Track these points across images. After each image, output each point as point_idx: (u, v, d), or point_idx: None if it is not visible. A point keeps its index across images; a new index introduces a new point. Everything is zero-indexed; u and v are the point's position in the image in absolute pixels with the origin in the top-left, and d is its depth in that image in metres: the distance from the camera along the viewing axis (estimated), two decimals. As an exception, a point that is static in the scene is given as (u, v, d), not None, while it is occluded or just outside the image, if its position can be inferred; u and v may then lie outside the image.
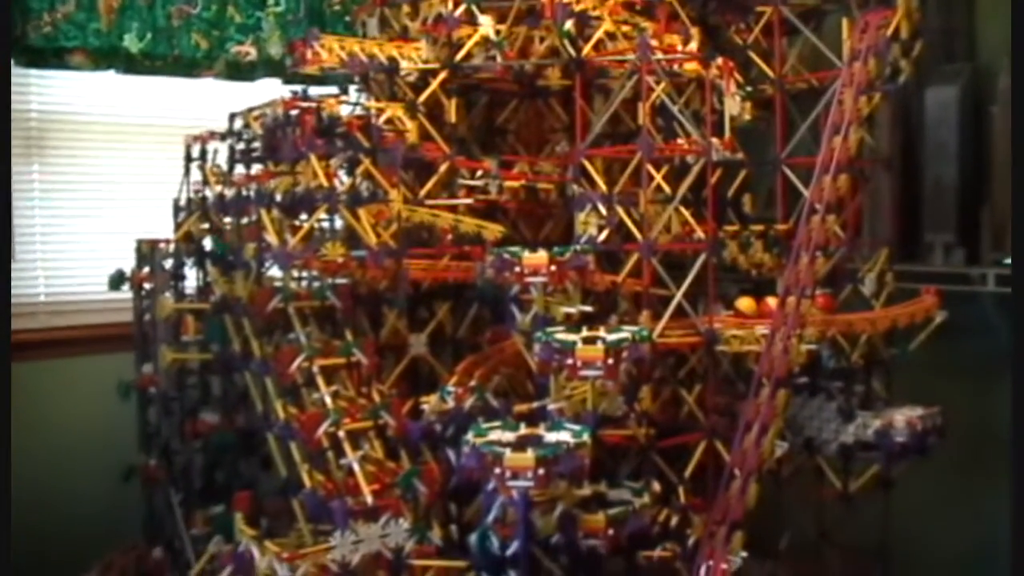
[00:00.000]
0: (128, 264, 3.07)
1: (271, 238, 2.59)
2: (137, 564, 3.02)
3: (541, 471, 2.16)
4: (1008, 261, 3.20)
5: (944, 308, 2.91)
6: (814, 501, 3.06)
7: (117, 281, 3.02)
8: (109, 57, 3.53)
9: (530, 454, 2.16)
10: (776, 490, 2.96)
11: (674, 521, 2.61)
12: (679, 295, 2.68)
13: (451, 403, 2.51)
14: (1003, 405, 3.34)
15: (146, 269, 2.98)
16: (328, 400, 2.47)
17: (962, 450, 3.15)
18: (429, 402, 2.54)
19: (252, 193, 2.72)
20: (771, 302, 2.77)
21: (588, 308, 2.57)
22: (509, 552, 2.29)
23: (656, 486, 2.60)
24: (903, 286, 3.04)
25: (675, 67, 2.89)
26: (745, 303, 2.84)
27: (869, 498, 2.93)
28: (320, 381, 2.50)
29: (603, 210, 2.71)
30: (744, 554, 2.47)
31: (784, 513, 3.08)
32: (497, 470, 2.18)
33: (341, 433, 2.43)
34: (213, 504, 2.82)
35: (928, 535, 3.42)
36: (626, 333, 2.43)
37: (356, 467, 2.40)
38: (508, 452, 2.17)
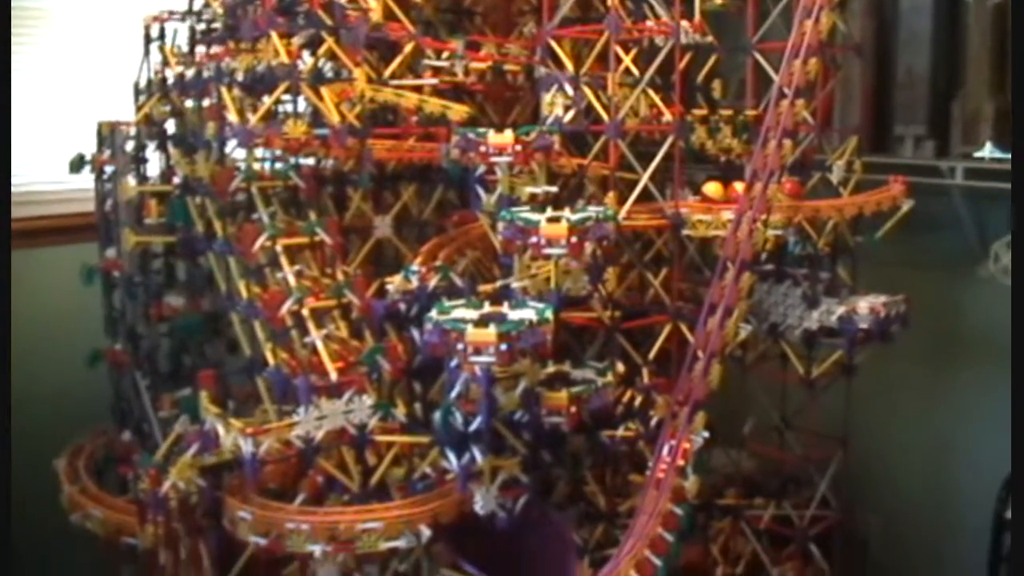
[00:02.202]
0: (89, 149, 3.01)
1: (232, 117, 2.54)
2: (106, 448, 3.04)
3: (503, 347, 2.17)
4: (978, 154, 3.18)
5: (912, 200, 2.91)
6: (778, 386, 3.09)
7: (77, 164, 2.97)
8: (66, -62, 3.42)
9: (492, 329, 2.17)
10: (741, 376, 3.00)
11: (637, 401, 2.64)
12: (645, 177, 2.67)
13: (415, 282, 2.50)
14: (967, 297, 3.39)
15: (107, 152, 2.93)
16: (291, 279, 2.45)
17: (925, 339, 3.19)
18: (394, 282, 2.53)
19: (213, 72, 2.66)
20: (738, 187, 2.76)
21: (553, 189, 2.55)
22: (472, 428, 2.32)
23: (620, 367, 2.63)
24: (872, 178, 3.02)
25: (645, -54, 2.83)
26: (712, 188, 2.83)
27: (832, 383, 2.96)
28: (283, 260, 2.48)
29: (570, 91, 2.68)
30: (706, 434, 2.50)
31: (748, 399, 3.12)
32: (459, 346, 2.19)
33: (305, 312, 2.42)
34: (180, 388, 2.82)
35: (888, 421, 3.49)
36: (591, 212, 2.42)
37: (320, 345, 2.40)
38: (470, 328, 2.18)
